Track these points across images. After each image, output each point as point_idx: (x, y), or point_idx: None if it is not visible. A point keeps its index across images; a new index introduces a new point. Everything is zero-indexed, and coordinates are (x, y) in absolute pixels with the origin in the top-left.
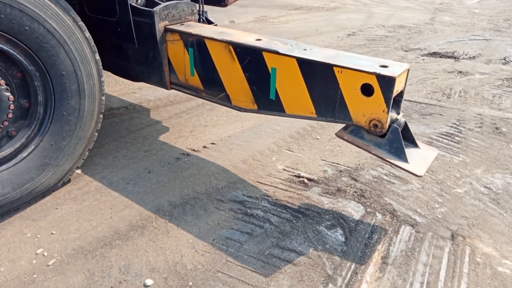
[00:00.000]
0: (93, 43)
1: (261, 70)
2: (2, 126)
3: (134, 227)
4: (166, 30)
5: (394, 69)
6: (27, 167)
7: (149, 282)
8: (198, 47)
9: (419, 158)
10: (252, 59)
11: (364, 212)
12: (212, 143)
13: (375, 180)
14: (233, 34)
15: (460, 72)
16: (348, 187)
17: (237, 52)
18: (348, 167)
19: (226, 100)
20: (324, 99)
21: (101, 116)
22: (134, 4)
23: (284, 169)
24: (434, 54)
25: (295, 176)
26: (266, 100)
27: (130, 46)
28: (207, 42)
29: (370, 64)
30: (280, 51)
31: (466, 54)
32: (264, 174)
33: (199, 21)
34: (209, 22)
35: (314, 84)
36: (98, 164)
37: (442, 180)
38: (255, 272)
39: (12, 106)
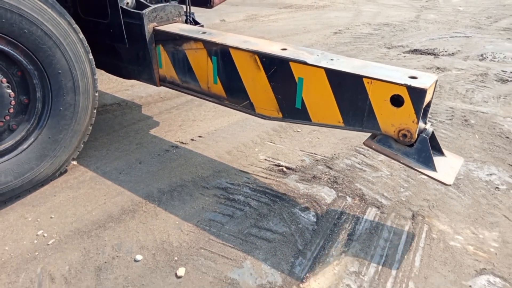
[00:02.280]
0: (87, 44)
1: (287, 79)
2: (4, 120)
3: (126, 211)
4: (155, 31)
5: (424, 80)
6: (27, 158)
7: (139, 257)
8: (222, 56)
9: (446, 167)
10: (278, 69)
11: (336, 196)
12: (200, 136)
13: (348, 168)
14: (258, 43)
15: (438, 68)
16: (323, 175)
17: (262, 62)
18: (325, 156)
19: (249, 108)
20: (353, 109)
21: (95, 111)
22: (124, 7)
23: (265, 159)
24: (415, 51)
25: (275, 165)
26: (292, 108)
27: (122, 46)
28: (231, 51)
29: (400, 75)
30: (308, 61)
31: (446, 51)
32: (246, 163)
33: (186, 22)
34: (196, 23)
35: (342, 94)
36: (93, 156)
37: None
38: (234, 248)
39: (13, 102)
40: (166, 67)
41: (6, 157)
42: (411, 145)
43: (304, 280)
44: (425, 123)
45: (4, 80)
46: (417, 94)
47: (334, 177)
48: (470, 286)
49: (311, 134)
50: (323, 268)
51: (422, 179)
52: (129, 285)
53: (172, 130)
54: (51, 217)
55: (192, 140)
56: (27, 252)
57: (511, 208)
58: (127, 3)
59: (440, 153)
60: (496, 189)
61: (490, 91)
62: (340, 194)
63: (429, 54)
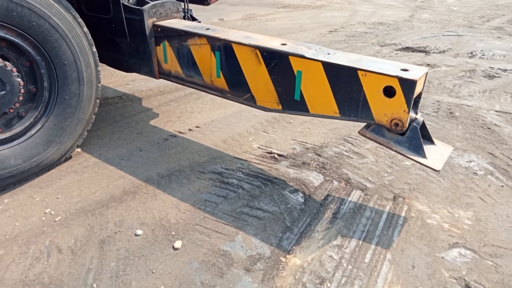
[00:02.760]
0: (91, 37)
1: (287, 72)
2: (14, 107)
3: (127, 192)
4: (160, 28)
5: (415, 72)
6: (35, 143)
7: (139, 232)
8: (225, 51)
9: (436, 154)
10: (278, 63)
11: (323, 180)
12: (197, 127)
13: (336, 155)
14: (259, 39)
15: (428, 64)
16: (312, 161)
17: (263, 56)
18: (315, 145)
19: (251, 101)
20: (348, 100)
21: (98, 100)
22: (125, 3)
23: (258, 147)
24: (407, 49)
25: (268, 152)
26: (291, 100)
27: (123, 40)
28: (234, 46)
29: (392, 68)
30: (306, 55)
31: (437, 49)
32: (241, 151)
33: (184, 18)
34: (193, 19)
35: (339, 86)
36: (96, 144)
37: (394, 155)
38: (227, 225)
39: (22, 91)
40: (171, 62)
41: (16, 142)
42: (403, 134)
43: (290, 252)
44: (416, 113)
45: (14, 69)
46: (408, 85)
47: (323, 163)
48: (443, 257)
49: (302, 125)
50: (308, 242)
51: (405, 165)
52: (130, 256)
53: (171, 121)
54: (58, 198)
55: (190, 130)
56: (36, 228)
57: (486, 191)
58: (129, 0)
59: (430, 141)
60: (474, 174)
61: (476, 86)
62: (327, 178)
63: (420, 51)
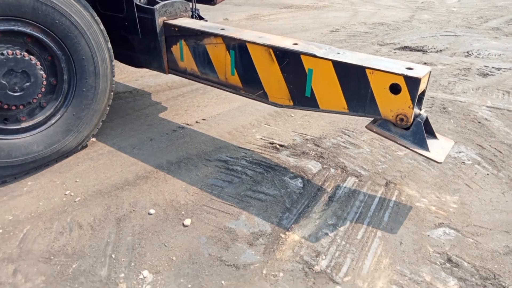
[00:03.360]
0: (106, 34)
1: (298, 70)
2: (37, 98)
3: (140, 177)
4: (171, 26)
5: (419, 71)
6: (55, 132)
7: (152, 211)
8: (240, 50)
9: (438, 148)
10: (290, 61)
11: (321, 168)
12: (203, 119)
13: (334, 146)
14: (272, 38)
15: (425, 63)
16: (311, 151)
17: (276, 55)
18: (314, 136)
19: (263, 97)
20: (356, 96)
21: (112, 93)
22: (138, 3)
23: (261, 138)
24: (405, 48)
25: (270, 143)
26: (302, 97)
27: (135, 38)
28: (248, 45)
29: (398, 66)
30: (318, 54)
31: (434, 48)
32: (244, 141)
33: (192, 17)
34: (200, 18)
35: (347, 83)
36: (109, 134)
37: (388, 146)
38: (231, 206)
39: (44, 83)
40: (187, 60)
41: (38, 130)
42: (407, 128)
43: (289, 230)
44: (420, 109)
45: (38, 63)
46: (412, 82)
47: (321, 153)
48: (428, 235)
49: (303, 118)
50: (306, 221)
51: (398, 155)
52: (144, 232)
53: (179, 114)
54: (76, 181)
55: (197, 122)
56: (58, 207)
57: (472, 179)
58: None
59: (433, 136)
60: (462, 163)
61: (470, 84)
62: (325, 166)
63: (418, 50)
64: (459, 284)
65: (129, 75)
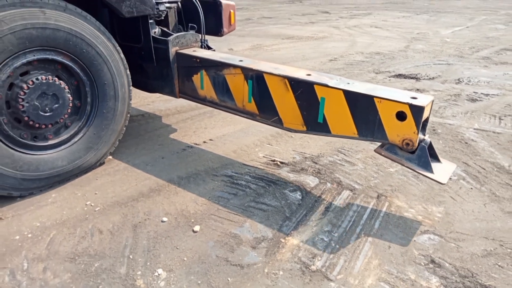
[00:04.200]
0: (126, 62)
1: (311, 99)
2: (63, 118)
3: (153, 190)
4: (177, 54)
5: (423, 100)
6: (77, 149)
7: (164, 219)
8: (257, 80)
9: (442, 170)
10: (304, 90)
11: (318, 182)
12: (210, 139)
13: (331, 163)
14: (286, 69)
15: (417, 89)
16: (309, 167)
17: (291, 85)
18: (312, 155)
19: (278, 123)
20: (365, 123)
21: (129, 115)
22: (154, 35)
23: (263, 156)
24: (399, 76)
25: (271, 160)
26: (315, 123)
27: (150, 65)
28: (265, 76)
29: (403, 96)
30: (330, 84)
31: (427, 76)
32: (248, 159)
33: (201, 47)
34: (209, 48)
35: (357, 111)
36: (124, 153)
37: (380, 163)
38: (236, 215)
39: (70, 105)
40: (206, 89)
41: (63, 147)
42: (413, 152)
43: (289, 235)
44: (424, 135)
45: (66, 87)
46: (417, 110)
47: (318, 169)
48: (415, 240)
49: (302, 139)
50: (304, 228)
51: (389, 172)
52: (158, 236)
53: (188, 135)
54: (96, 193)
55: (204, 142)
56: (80, 215)
57: (457, 192)
58: (155, 31)
59: (437, 159)
60: (449, 179)
61: (459, 108)
62: (322, 181)
63: (411, 78)
64: (440, 281)
65: (141, 100)
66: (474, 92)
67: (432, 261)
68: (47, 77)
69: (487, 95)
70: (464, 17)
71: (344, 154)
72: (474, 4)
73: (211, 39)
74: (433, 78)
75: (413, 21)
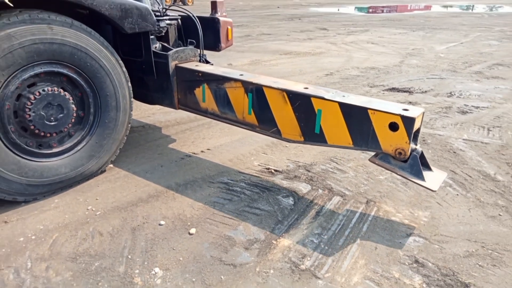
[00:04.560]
0: (127, 75)
1: (309, 111)
2: (67, 127)
3: (152, 196)
4: (177, 67)
5: (414, 111)
6: (80, 157)
7: (162, 222)
8: (257, 93)
9: (433, 178)
10: (301, 103)
11: (310, 189)
12: (208, 149)
13: (323, 171)
14: (285, 83)
15: (410, 102)
16: (302, 175)
17: (289, 97)
18: (305, 163)
19: (277, 134)
20: (360, 133)
21: (129, 125)
22: (154, 50)
23: (258, 165)
24: (393, 89)
25: (266, 168)
26: (312, 133)
27: (150, 78)
28: (265, 89)
29: (396, 108)
30: (326, 97)
31: (420, 89)
32: (244, 167)
33: (200, 61)
34: (207, 62)
35: (352, 122)
36: (125, 161)
37: (371, 171)
38: (231, 219)
39: (74, 115)
40: (208, 101)
41: (66, 155)
42: (405, 161)
43: (280, 237)
44: (416, 145)
45: (70, 98)
46: (408, 121)
47: (311, 176)
48: (400, 242)
49: (296, 148)
50: (295, 231)
51: (379, 179)
52: (156, 238)
53: (186, 145)
54: (97, 199)
55: (202, 151)
56: (81, 219)
57: (443, 198)
58: (156, 47)
59: (428, 168)
60: None
61: (450, 120)
62: (314, 187)
63: (404, 91)
64: (423, 279)
65: (142, 112)
66: (465, 104)
67: (416, 261)
68: (53, 89)
69: (477, 107)
70: (459, 33)
71: (336, 163)
72: (469, 21)
73: (211, 54)
74: (425, 91)
75: (409, 38)
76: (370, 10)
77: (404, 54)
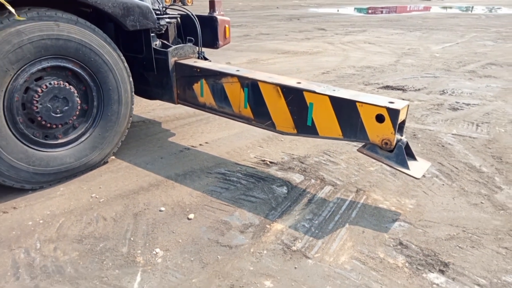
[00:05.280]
0: (129, 70)
1: (301, 104)
2: (72, 119)
3: (152, 185)
4: (176, 64)
5: (399, 104)
6: (84, 148)
7: (162, 208)
8: (252, 87)
9: (417, 167)
10: (294, 97)
11: (303, 179)
12: (206, 142)
13: (316, 163)
14: (279, 78)
15: (403, 99)
16: (296, 166)
17: (283, 91)
18: (299, 156)
19: (272, 127)
20: (349, 125)
21: (131, 118)
22: (155, 47)
23: (254, 157)
24: (387, 87)
25: (262, 160)
26: (304, 126)
27: (150, 74)
28: (260, 84)
29: (382, 100)
30: (317, 91)
31: (413, 87)
32: (240, 159)
33: (198, 58)
34: (205, 59)
35: (342, 114)
36: (126, 154)
37: (362, 163)
38: (227, 206)
39: (78, 108)
40: (206, 96)
41: (71, 145)
42: (391, 151)
43: (274, 222)
44: (401, 136)
45: (75, 91)
46: (393, 113)
47: (304, 168)
48: (386, 226)
49: (291, 142)
50: (288, 216)
51: (369, 170)
52: (156, 223)
53: (185, 139)
54: (100, 187)
55: (200, 145)
56: (85, 205)
57: (430, 188)
58: (156, 44)
59: (413, 158)
60: (423, 176)
61: (441, 116)
62: (307, 177)
63: (398, 89)
64: (406, 259)
65: (142, 108)
66: (456, 102)
67: (400, 243)
68: (59, 82)
69: (468, 104)
70: (455, 34)
71: (329, 155)
72: (466, 22)
73: (210, 54)
74: (419, 89)
75: (406, 38)
76: (370, 11)
77: (400, 53)
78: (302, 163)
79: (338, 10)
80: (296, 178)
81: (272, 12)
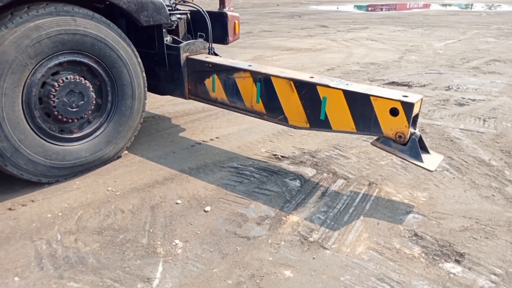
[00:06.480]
0: (142, 65)
1: (314, 98)
2: (87, 114)
3: (167, 178)
4: (187, 59)
5: (413, 98)
6: (98, 142)
7: (179, 201)
8: (265, 82)
9: (431, 160)
10: (307, 91)
11: (316, 173)
12: (217, 137)
13: (327, 157)
14: (292, 72)
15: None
16: (308, 160)
17: (296, 86)
18: (310, 150)
19: (284, 121)
20: (362, 119)
21: (143, 113)
22: (166, 42)
23: (266, 151)
24: (393, 83)
25: (273, 155)
26: (317, 120)
27: (162, 69)
28: (272, 78)
29: (396, 94)
30: (331, 85)
31: (419, 83)
32: (252, 154)
33: (208, 53)
34: (216, 55)
35: (355, 108)
36: (139, 148)
37: (372, 157)
38: (242, 199)
39: (93, 102)
40: (217, 91)
41: (86, 140)
42: (405, 144)
43: (289, 214)
44: (415, 129)
45: (90, 86)
46: (408, 107)
47: (316, 162)
48: (400, 218)
49: (301, 136)
50: (303, 209)
51: (380, 164)
52: (174, 215)
53: (196, 134)
54: (115, 181)
55: (211, 139)
56: (102, 198)
57: (441, 181)
58: (167, 39)
59: (426, 151)
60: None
61: (447, 111)
62: (319, 171)
63: (404, 85)
64: (421, 250)
65: (151, 104)
66: (462, 97)
67: (415, 235)
68: (75, 77)
69: (474, 100)
70: (457, 31)
71: (340, 150)
72: (467, 19)
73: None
74: (424, 85)
75: (408, 35)
76: (369, 8)
77: (403, 50)
78: (313, 157)
79: (337, 8)
80: (308, 172)
81: (273, 9)
